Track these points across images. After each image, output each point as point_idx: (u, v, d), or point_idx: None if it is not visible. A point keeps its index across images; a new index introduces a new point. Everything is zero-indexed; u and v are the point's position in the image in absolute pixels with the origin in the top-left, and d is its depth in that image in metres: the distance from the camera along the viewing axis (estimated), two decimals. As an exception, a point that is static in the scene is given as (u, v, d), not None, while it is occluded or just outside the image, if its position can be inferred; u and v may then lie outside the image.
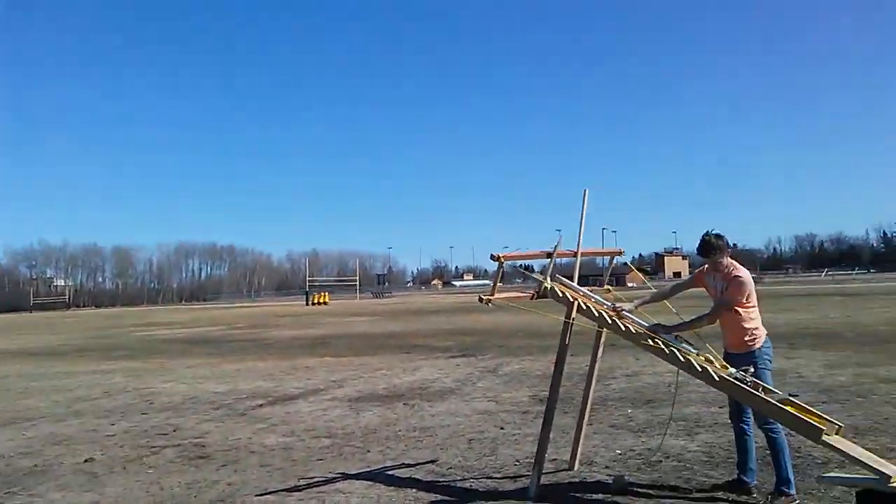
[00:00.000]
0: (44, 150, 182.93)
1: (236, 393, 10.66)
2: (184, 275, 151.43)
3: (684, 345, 4.68)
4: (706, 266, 4.95)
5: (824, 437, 3.81)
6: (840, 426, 4.04)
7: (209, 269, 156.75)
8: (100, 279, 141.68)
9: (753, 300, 4.76)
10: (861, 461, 3.78)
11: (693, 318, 4.80)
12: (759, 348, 4.70)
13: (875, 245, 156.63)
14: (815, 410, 4.12)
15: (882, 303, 26.00)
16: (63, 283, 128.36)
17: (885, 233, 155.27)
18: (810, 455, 5.56)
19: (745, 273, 4.76)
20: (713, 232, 4.81)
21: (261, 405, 9.43)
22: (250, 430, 7.74)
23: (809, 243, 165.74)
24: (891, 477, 3.65)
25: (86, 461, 6.61)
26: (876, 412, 7.07)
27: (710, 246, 4.76)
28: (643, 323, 4.82)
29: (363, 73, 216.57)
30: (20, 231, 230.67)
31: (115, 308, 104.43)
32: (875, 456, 3.98)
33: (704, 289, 5.03)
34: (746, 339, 4.72)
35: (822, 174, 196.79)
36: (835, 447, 3.85)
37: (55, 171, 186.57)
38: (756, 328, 4.73)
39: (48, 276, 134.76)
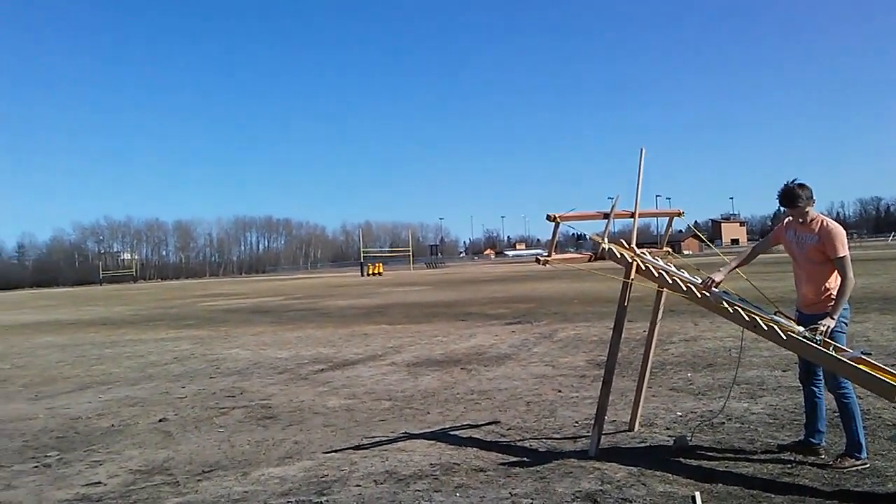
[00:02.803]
0: (104, 131, 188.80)
1: (298, 359, 10.95)
2: (242, 248, 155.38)
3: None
4: (786, 221, 4.67)
5: (900, 396, 3.68)
6: (916, 385, 3.89)
7: (267, 242, 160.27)
8: (163, 253, 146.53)
9: None
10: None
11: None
12: None
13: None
14: (889, 369, 3.99)
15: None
16: (129, 257, 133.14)
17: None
18: (880, 417, 5.42)
19: (837, 224, 4.42)
20: (796, 181, 4.48)
21: (322, 370, 9.67)
22: (313, 393, 7.97)
23: (874, 207, 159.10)
24: None
25: (160, 421, 6.92)
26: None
27: (794, 195, 4.39)
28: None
29: (415, 43, 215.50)
30: (86, 208, 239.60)
31: (179, 280, 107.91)
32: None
33: (783, 247, 4.73)
34: (826, 298, 4.44)
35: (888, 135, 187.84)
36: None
37: (116, 149, 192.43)
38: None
39: (115, 250, 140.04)
